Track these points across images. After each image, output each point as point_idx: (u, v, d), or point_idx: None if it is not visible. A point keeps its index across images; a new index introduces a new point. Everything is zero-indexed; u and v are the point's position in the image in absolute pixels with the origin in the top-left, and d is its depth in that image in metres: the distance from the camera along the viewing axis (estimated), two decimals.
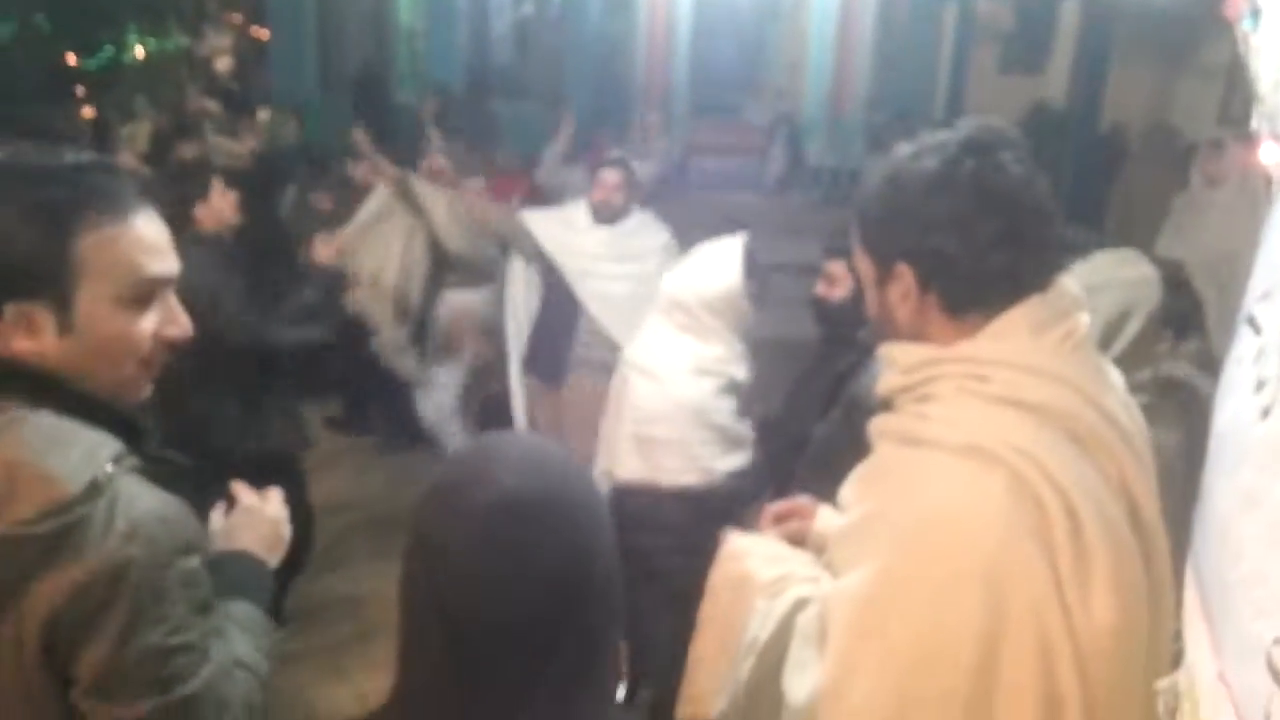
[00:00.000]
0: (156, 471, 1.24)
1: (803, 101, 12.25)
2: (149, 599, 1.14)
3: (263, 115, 12.24)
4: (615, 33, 12.02)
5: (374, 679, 3.38)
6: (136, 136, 8.49)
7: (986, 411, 1.19)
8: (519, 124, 9.62)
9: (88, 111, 11.92)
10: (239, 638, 1.31)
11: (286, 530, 1.51)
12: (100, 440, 1.18)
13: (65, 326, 1.19)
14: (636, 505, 2.77)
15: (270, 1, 12.63)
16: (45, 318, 1.18)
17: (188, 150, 6.24)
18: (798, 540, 1.63)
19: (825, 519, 1.63)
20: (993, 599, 1.13)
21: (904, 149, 1.31)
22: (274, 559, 1.47)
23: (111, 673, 1.14)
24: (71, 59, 16.13)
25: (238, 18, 16.43)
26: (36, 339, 1.19)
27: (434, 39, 12.32)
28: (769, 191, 12.00)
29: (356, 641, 3.71)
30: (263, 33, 14.46)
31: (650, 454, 2.76)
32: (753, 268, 2.85)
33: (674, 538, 2.71)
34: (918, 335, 1.30)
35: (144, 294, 1.26)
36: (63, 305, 1.19)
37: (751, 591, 1.47)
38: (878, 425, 1.35)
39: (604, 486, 2.78)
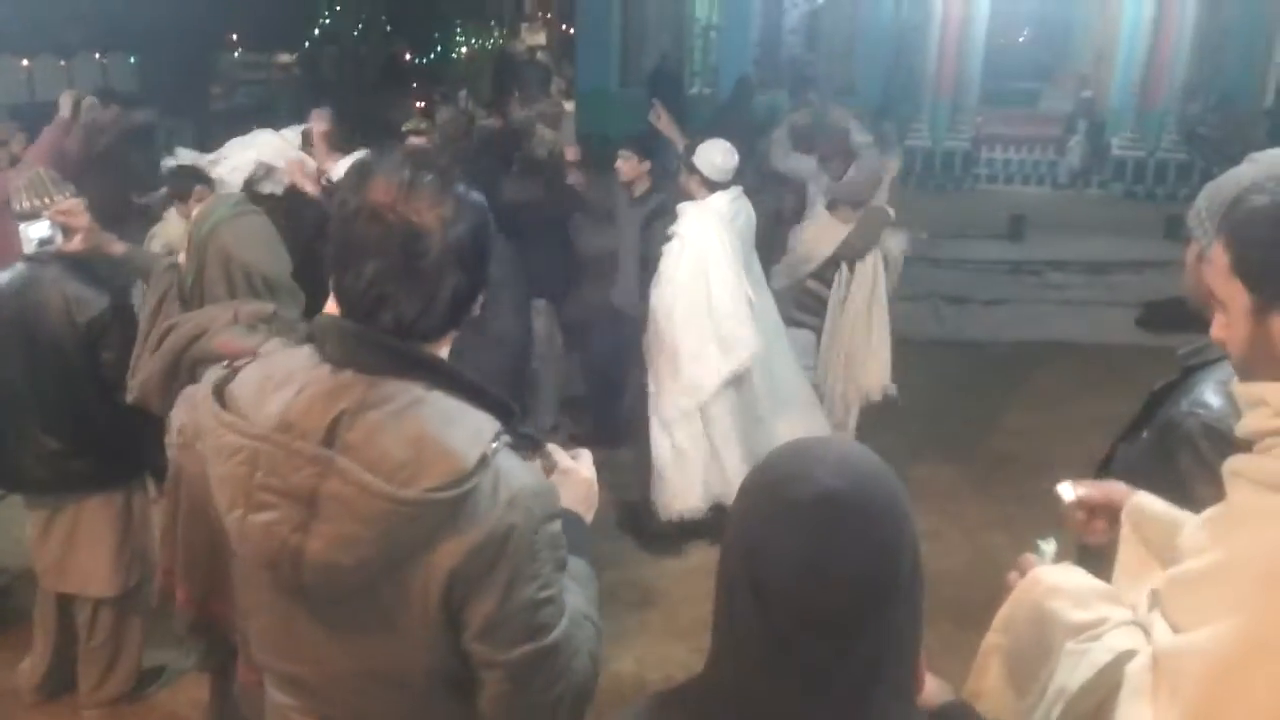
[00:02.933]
0: (520, 446, 1.35)
1: (1108, 90, 11.59)
2: (525, 559, 1.26)
3: (568, 106, 13.22)
4: (908, 20, 11.91)
5: (651, 647, 3.63)
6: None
7: None
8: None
9: (418, 102, 13.26)
10: (576, 591, 1.40)
11: (596, 490, 1.55)
12: (483, 420, 1.28)
13: None
14: None
15: (580, 1, 13.58)
16: None
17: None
18: (1101, 546, 1.50)
19: (1141, 507, 1.48)
20: None
21: None
22: (589, 516, 1.53)
23: (495, 622, 1.26)
24: (406, 55, 18.14)
25: (550, 16, 17.77)
26: None
27: (727, 33, 12.75)
28: (1064, 185, 11.50)
29: (634, 609, 3.85)
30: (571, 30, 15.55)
31: None
32: None
33: None
34: None
35: None
36: None
37: (1054, 631, 1.37)
38: (1236, 465, 1.21)
39: None
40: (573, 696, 1.36)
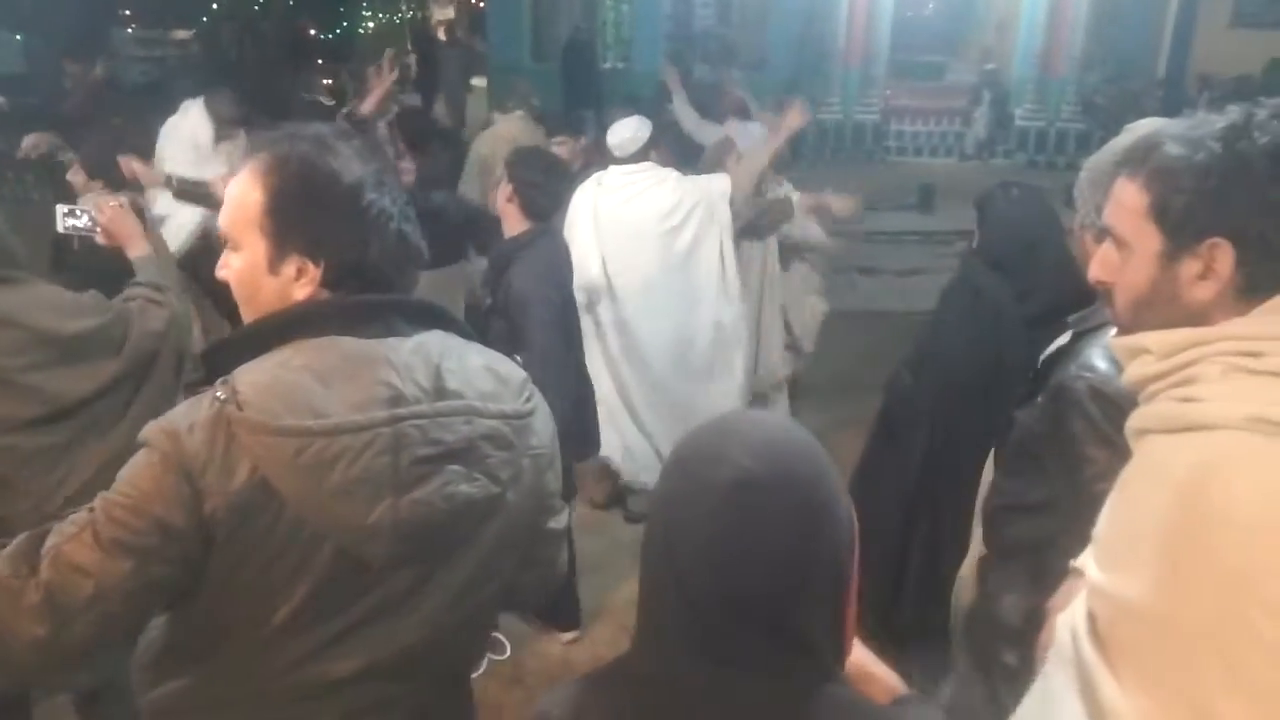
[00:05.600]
0: None
1: (1011, 61, 11.88)
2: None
3: (477, 82, 13.01)
4: None
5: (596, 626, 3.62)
6: None
7: (1264, 385, 1.10)
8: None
9: (325, 80, 12.91)
10: None
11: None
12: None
13: None
14: None
15: None
16: None
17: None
18: None
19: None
20: None
21: (1229, 117, 1.19)
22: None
23: (556, 494, 1.50)
24: (310, 31, 17.61)
25: None
26: None
27: (639, 6, 12.66)
28: (970, 156, 11.78)
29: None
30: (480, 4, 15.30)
31: None
32: None
33: None
34: (1195, 318, 1.20)
35: None
36: None
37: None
38: (1136, 423, 1.21)
39: None
40: None
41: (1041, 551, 1.72)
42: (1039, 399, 1.89)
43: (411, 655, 1.32)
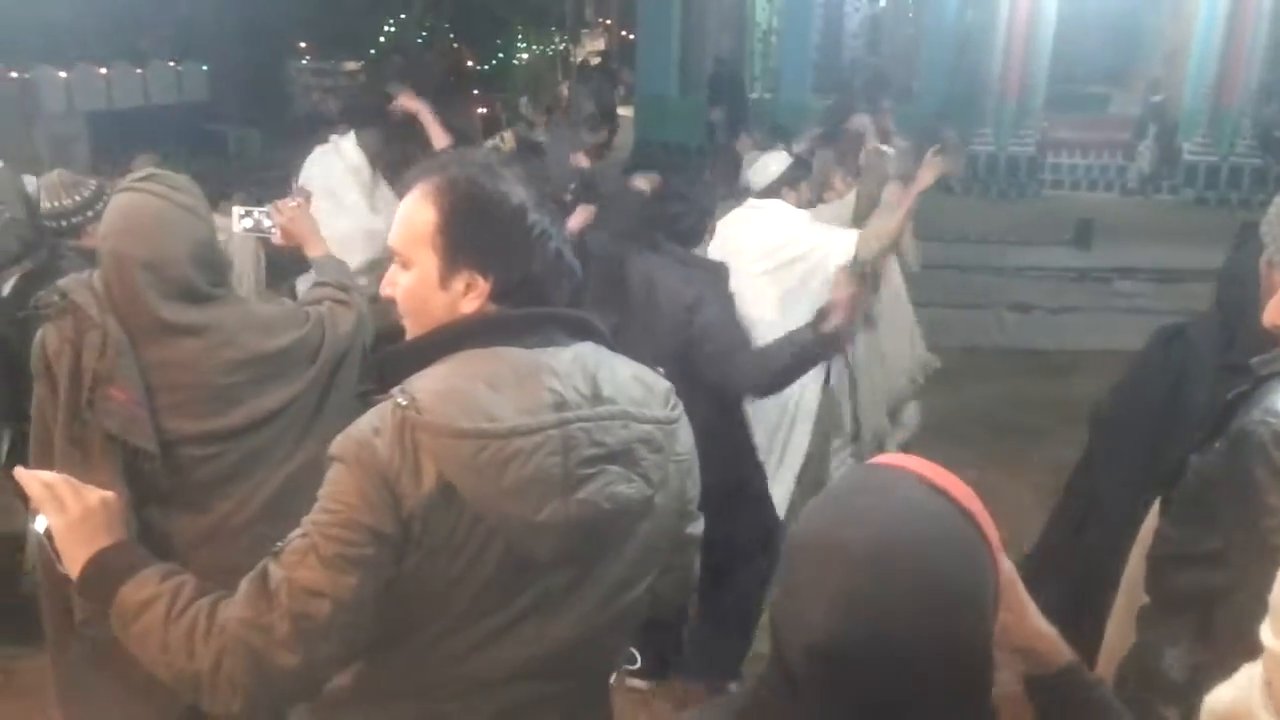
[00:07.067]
0: None
1: (1180, 92, 11.33)
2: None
3: (624, 112, 13.30)
4: (973, 22, 11.75)
5: None
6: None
7: None
8: None
9: (480, 109, 13.42)
10: None
11: None
12: None
13: None
14: None
15: (640, 6, 13.64)
16: None
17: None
18: None
19: None
20: None
21: None
22: None
23: (697, 500, 1.54)
24: (469, 63, 18.38)
25: (610, 23, 17.92)
26: None
27: (787, 37, 12.70)
28: (1133, 191, 11.27)
29: None
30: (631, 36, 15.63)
31: None
32: None
33: None
34: None
35: None
36: None
37: None
38: None
39: None
40: None
41: (1210, 604, 1.62)
42: (1216, 445, 1.79)
43: (565, 653, 1.36)
